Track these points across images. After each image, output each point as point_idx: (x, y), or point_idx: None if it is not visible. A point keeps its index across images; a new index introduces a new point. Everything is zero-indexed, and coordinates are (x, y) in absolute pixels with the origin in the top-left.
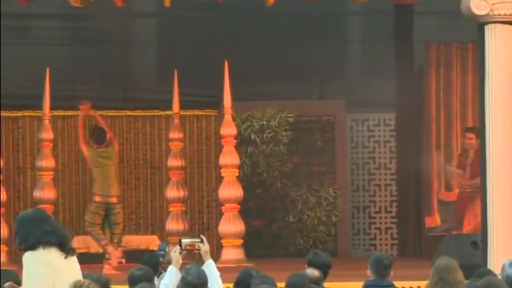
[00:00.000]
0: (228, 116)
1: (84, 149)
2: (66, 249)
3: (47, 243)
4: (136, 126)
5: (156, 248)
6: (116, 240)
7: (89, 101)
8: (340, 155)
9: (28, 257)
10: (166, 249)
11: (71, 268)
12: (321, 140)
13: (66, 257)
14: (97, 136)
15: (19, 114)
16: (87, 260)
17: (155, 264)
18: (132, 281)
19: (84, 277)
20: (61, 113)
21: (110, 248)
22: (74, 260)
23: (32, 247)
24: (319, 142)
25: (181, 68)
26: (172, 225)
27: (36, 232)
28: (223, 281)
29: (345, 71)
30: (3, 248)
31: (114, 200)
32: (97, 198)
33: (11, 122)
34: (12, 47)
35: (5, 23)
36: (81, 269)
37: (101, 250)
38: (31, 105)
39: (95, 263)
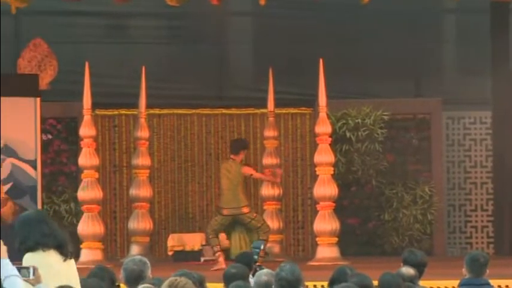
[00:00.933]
0: (323, 114)
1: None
2: (65, 252)
3: (45, 246)
4: (231, 124)
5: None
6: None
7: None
8: (436, 153)
9: (28, 259)
10: (262, 247)
11: (69, 272)
12: (417, 138)
13: (65, 260)
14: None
15: (115, 112)
16: (182, 257)
17: (249, 262)
18: (227, 279)
19: (180, 275)
20: (157, 111)
21: (221, 258)
22: (72, 263)
23: (32, 249)
24: (414, 140)
25: (277, 66)
26: (268, 223)
27: (35, 234)
28: (319, 279)
29: (441, 69)
30: (99, 245)
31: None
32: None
33: (108, 120)
34: (109, 46)
35: (102, 22)
36: (179, 266)
37: (195, 248)
38: (127, 103)
39: (190, 261)
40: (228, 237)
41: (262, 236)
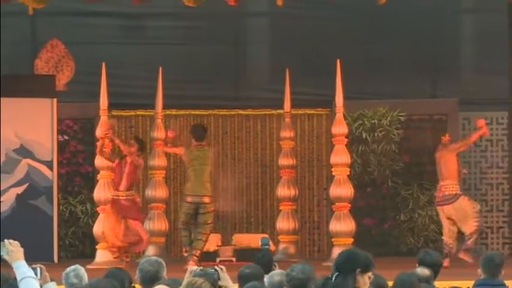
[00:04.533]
0: (339, 115)
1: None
2: None
3: None
4: (247, 125)
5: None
6: (203, 239)
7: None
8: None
9: None
10: (269, 244)
11: None
12: (433, 138)
13: None
14: (197, 133)
15: (132, 113)
16: (197, 257)
17: (268, 262)
18: (242, 279)
19: (196, 275)
20: (173, 112)
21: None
22: None
23: None
24: (430, 141)
25: (293, 67)
26: (283, 223)
27: None
28: None
29: (457, 69)
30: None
31: (206, 200)
32: (188, 199)
33: (124, 121)
34: (126, 47)
35: (119, 22)
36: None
37: (211, 249)
38: (144, 104)
39: (206, 261)
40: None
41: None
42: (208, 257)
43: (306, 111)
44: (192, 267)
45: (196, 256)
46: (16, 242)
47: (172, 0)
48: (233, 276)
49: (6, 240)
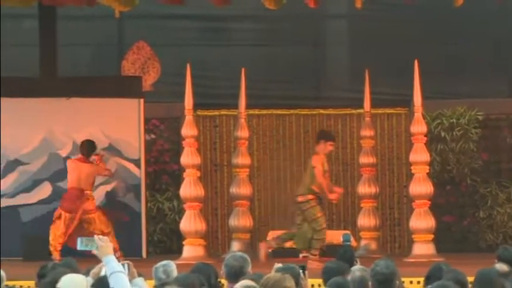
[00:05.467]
0: (418, 114)
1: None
2: None
3: None
4: (328, 124)
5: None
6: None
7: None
8: None
9: None
10: (351, 240)
11: None
12: (510, 137)
13: None
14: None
15: (216, 113)
16: (281, 254)
17: (350, 257)
18: (326, 274)
19: (282, 269)
20: (256, 111)
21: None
22: None
23: None
24: (508, 139)
25: (373, 67)
26: (364, 220)
27: None
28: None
29: None
30: (201, 242)
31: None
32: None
33: (209, 120)
34: (210, 48)
35: (202, 24)
36: (277, 262)
37: (294, 245)
38: (228, 104)
39: (289, 257)
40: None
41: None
42: (291, 254)
43: (386, 110)
44: (279, 264)
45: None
46: (105, 238)
47: (254, 2)
48: (317, 271)
49: (96, 236)
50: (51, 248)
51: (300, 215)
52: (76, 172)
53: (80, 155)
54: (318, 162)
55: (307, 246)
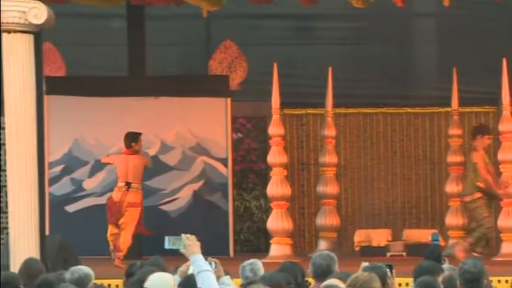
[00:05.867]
0: (506, 113)
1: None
2: None
3: None
4: (416, 122)
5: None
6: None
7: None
8: None
9: None
10: (439, 239)
11: None
12: None
13: None
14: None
15: (303, 112)
16: (369, 252)
17: (437, 257)
18: (417, 273)
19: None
20: (343, 110)
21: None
22: None
23: None
24: None
25: (460, 65)
26: (452, 219)
27: None
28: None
29: None
30: (288, 241)
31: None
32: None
33: (295, 119)
34: (297, 47)
35: (289, 23)
36: (365, 261)
37: (381, 243)
38: (314, 103)
39: (377, 256)
40: None
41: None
42: (378, 252)
43: (473, 109)
44: (365, 263)
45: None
46: (193, 237)
47: (342, 1)
48: (403, 271)
49: (183, 235)
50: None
51: (469, 216)
52: (124, 165)
53: (125, 149)
54: (479, 158)
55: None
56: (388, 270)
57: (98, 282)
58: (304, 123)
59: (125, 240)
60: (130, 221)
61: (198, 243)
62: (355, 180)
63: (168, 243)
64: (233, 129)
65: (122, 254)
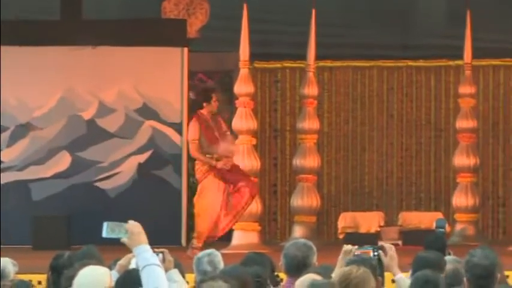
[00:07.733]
0: None
1: None
2: None
3: None
4: (418, 79)
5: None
6: None
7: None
8: None
9: None
10: (446, 226)
11: None
12: None
13: None
14: None
15: (278, 65)
16: (355, 241)
17: (441, 247)
18: (415, 265)
19: (349, 263)
20: (328, 63)
21: None
22: None
23: None
24: None
25: (475, 8)
26: (461, 199)
27: None
28: None
29: None
30: (255, 226)
31: None
32: None
33: (268, 75)
34: None
35: None
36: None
37: (372, 229)
38: (292, 54)
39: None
40: None
41: None
42: (367, 240)
43: (491, 61)
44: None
45: None
46: (137, 224)
47: None
48: (398, 263)
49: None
50: None
51: None
52: None
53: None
54: None
55: None
56: (377, 257)
57: (18, 277)
58: (279, 80)
59: None
60: None
61: (143, 232)
62: (341, 150)
63: (107, 230)
64: (190, 87)
65: None
